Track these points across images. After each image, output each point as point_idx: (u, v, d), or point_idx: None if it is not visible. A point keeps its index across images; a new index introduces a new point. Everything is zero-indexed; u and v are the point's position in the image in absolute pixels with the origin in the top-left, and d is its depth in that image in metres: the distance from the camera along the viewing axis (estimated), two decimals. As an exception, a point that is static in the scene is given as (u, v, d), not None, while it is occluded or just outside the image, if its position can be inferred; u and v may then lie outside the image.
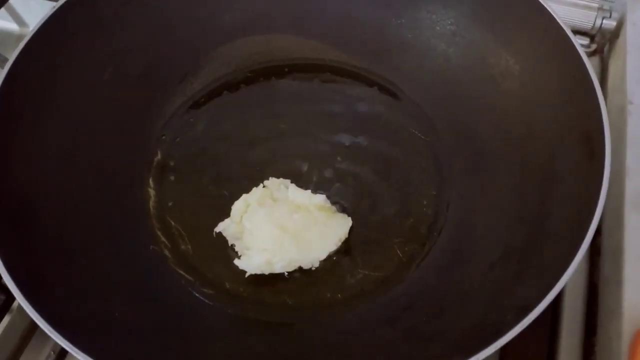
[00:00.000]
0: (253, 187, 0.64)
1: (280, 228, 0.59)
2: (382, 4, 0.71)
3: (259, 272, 0.59)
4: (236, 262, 0.59)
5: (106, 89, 0.65)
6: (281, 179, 0.65)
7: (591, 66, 0.56)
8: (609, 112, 0.67)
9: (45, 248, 0.54)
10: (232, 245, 0.61)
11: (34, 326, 0.62)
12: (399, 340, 0.54)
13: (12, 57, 0.58)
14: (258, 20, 0.73)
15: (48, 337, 0.60)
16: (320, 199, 0.62)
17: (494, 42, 0.66)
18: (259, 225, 0.59)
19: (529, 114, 0.61)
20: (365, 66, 0.73)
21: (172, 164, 0.67)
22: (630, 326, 0.52)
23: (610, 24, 0.76)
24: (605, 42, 0.79)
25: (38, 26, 0.60)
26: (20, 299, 0.47)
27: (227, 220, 0.62)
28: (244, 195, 0.62)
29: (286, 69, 0.73)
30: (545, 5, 0.60)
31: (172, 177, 0.66)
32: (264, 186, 0.64)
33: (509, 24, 0.64)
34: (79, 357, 0.45)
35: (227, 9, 0.72)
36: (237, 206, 0.62)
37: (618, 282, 0.55)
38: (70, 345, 0.45)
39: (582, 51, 0.57)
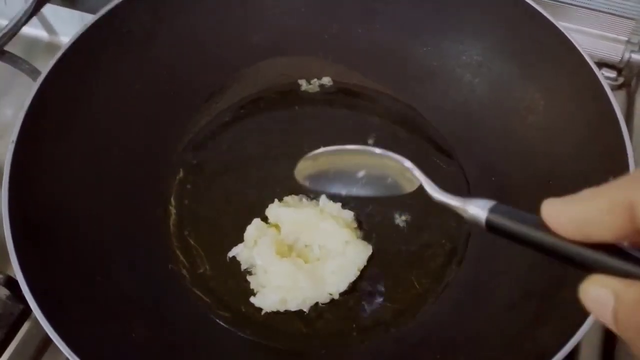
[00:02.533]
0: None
1: (295, 264, 0.59)
2: (409, 31, 0.71)
3: (274, 309, 0.59)
4: (252, 299, 0.59)
5: (133, 106, 0.66)
6: (301, 195, 0.65)
7: (618, 106, 0.56)
8: (635, 148, 0.66)
9: (65, 267, 0.54)
10: (247, 270, 0.62)
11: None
12: (411, 376, 0.53)
13: (44, 71, 0.59)
14: (285, 43, 0.74)
15: (63, 349, 0.62)
16: (349, 215, 0.63)
17: (520, 75, 0.65)
18: (272, 262, 0.59)
19: (553, 150, 0.61)
20: (389, 92, 0.73)
21: (194, 183, 0.68)
22: (648, 373, 0.51)
23: (639, 58, 0.76)
24: (632, 75, 0.78)
25: (71, 42, 0.61)
26: (40, 318, 0.47)
27: (240, 245, 0.62)
28: (255, 220, 0.63)
29: (310, 92, 0.74)
30: (573, 42, 0.60)
31: (193, 196, 0.67)
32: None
33: (536, 58, 0.64)
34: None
35: (255, 30, 0.73)
36: (250, 231, 0.62)
37: (637, 327, 0.54)
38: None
39: (609, 90, 0.57)
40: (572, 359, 0.58)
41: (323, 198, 0.64)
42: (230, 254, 0.62)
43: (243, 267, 0.62)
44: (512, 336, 0.52)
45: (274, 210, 0.63)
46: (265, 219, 0.64)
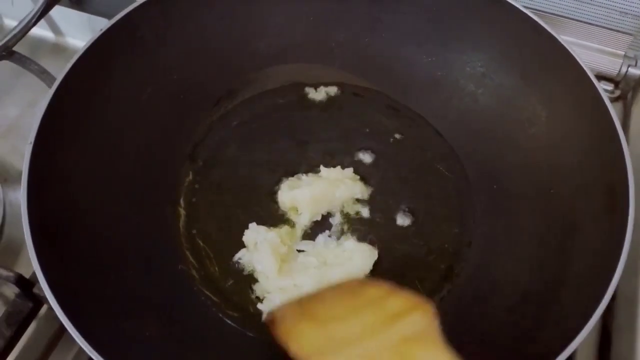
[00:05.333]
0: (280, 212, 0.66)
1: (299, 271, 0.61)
2: (414, 42, 0.73)
3: None
4: (259, 306, 0.61)
5: (144, 110, 0.68)
6: (297, 175, 0.69)
7: (617, 119, 0.57)
8: (632, 158, 0.68)
9: (81, 265, 0.55)
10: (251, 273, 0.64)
11: (59, 334, 0.64)
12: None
13: (60, 75, 0.60)
14: (291, 50, 0.75)
15: (72, 345, 0.63)
16: (349, 171, 0.67)
17: (522, 86, 0.68)
18: (272, 269, 0.61)
19: (554, 161, 0.63)
20: (394, 98, 0.75)
21: (203, 185, 0.69)
22: (642, 374, 0.53)
23: (635, 72, 0.78)
24: (629, 88, 0.80)
25: (86, 47, 0.62)
26: (57, 310, 0.48)
27: (243, 250, 0.64)
28: (252, 224, 0.65)
29: (317, 99, 0.76)
30: (574, 55, 0.62)
31: (202, 198, 0.68)
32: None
33: (538, 70, 0.66)
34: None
35: (262, 37, 0.74)
36: (248, 236, 0.64)
37: (632, 330, 0.56)
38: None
39: (608, 102, 0.59)
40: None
41: (323, 168, 0.68)
42: (235, 259, 0.64)
43: (246, 271, 0.64)
44: (514, 338, 0.53)
45: (286, 194, 0.66)
46: (266, 222, 0.65)
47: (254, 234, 0.64)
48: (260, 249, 0.63)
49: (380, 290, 0.50)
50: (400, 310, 0.48)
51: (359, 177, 0.68)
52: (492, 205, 0.66)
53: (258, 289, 0.62)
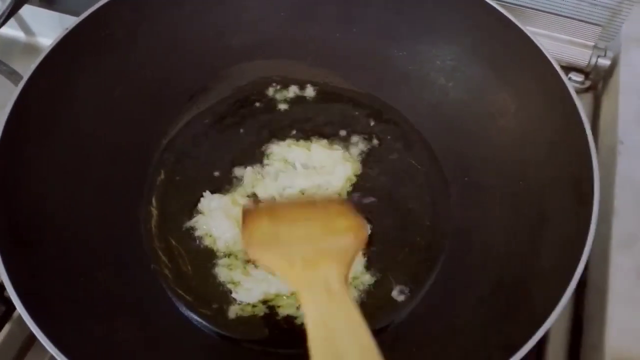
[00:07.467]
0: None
1: None
2: (385, 36, 0.73)
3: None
4: (234, 295, 0.61)
5: (115, 108, 0.67)
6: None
7: (583, 110, 0.58)
8: (599, 151, 0.69)
9: (49, 268, 0.55)
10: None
11: (33, 337, 0.63)
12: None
13: (26, 74, 0.59)
14: (264, 46, 0.75)
15: (46, 349, 0.63)
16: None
17: (492, 79, 0.68)
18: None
19: (523, 153, 0.63)
20: (366, 93, 0.75)
21: (175, 184, 0.69)
22: (612, 363, 0.54)
23: (605, 62, 0.79)
24: (599, 79, 0.81)
25: (53, 44, 0.61)
26: (25, 317, 0.48)
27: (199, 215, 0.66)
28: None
29: (290, 93, 0.75)
30: (540, 46, 0.63)
31: (174, 197, 0.68)
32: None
33: (506, 63, 0.67)
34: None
35: (235, 33, 0.74)
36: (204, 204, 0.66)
37: (601, 320, 0.57)
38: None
39: (574, 94, 0.59)
40: (539, 352, 0.61)
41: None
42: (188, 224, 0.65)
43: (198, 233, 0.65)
44: (483, 330, 0.54)
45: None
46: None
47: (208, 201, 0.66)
48: (213, 215, 0.64)
49: (338, 209, 0.58)
50: (341, 228, 0.55)
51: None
52: (464, 197, 0.66)
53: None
